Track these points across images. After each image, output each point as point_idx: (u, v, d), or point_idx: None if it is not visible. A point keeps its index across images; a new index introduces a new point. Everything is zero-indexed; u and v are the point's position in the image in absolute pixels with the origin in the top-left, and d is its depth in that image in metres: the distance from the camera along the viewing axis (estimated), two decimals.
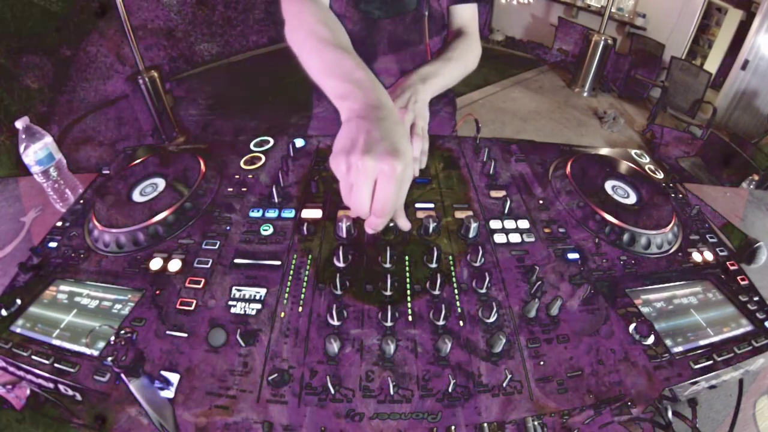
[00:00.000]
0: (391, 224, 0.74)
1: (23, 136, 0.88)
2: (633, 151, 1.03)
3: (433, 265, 0.70)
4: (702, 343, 0.64)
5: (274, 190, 0.80)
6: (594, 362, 0.61)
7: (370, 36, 1.02)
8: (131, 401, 0.53)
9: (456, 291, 0.67)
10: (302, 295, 0.66)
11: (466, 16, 1.04)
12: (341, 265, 0.70)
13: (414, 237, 0.75)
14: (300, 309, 0.64)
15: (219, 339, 0.60)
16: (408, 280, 0.68)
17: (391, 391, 0.55)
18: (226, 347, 0.60)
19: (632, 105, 5.02)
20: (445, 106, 1.26)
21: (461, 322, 0.63)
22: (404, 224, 0.65)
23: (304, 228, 0.74)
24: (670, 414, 0.56)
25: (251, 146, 0.97)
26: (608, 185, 0.86)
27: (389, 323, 0.62)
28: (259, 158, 0.92)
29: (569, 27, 5.70)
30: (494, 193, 0.85)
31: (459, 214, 0.79)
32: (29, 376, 0.60)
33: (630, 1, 5.21)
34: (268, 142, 0.98)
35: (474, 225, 0.73)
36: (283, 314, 0.64)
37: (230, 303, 0.65)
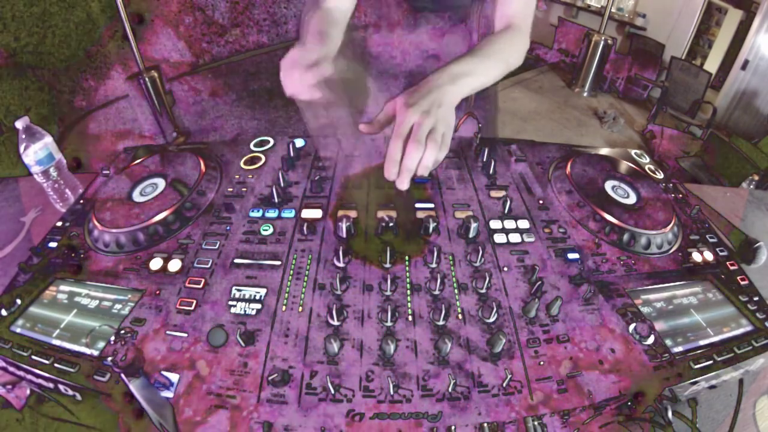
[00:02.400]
0: (391, 224, 0.75)
1: (23, 136, 0.88)
2: (633, 151, 1.03)
3: (433, 265, 0.70)
4: (702, 343, 0.64)
5: (274, 190, 0.80)
6: (594, 362, 0.61)
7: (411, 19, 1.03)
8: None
9: (456, 291, 0.67)
10: (302, 295, 0.66)
11: (513, 6, 0.94)
12: (341, 265, 0.70)
13: (414, 237, 0.75)
14: (300, 309, 0.64)
15: (219, 339, 0.60)
16: (408, 280, 0.68)
17: (391, 391, 0.55)
18: (226, 347, 0.60)
19: (632, 105, 5.02)
20: (486, 103, 1.23)
21: (461, 322, 0.63)
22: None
23: (304, 228, 0.75)
24: (670, 414, 0.56)
25: (251, 146, 0.97)
26: (608, 185, 0.86)
27: (389, 323, 0.62)
28: (259, 158, 0.92)
29: (569, 27, 5.69)
30: (494, 193, 0.85)
31: (459, 214, 0.79)
32: (29, 376, 0.60)
33: (630, 1, 5.21)
34: (268, 142, 0.98)
35: (474, 225, 0.73)
36: (283, 314, 0.64)
37: (230, 303, 0.65)
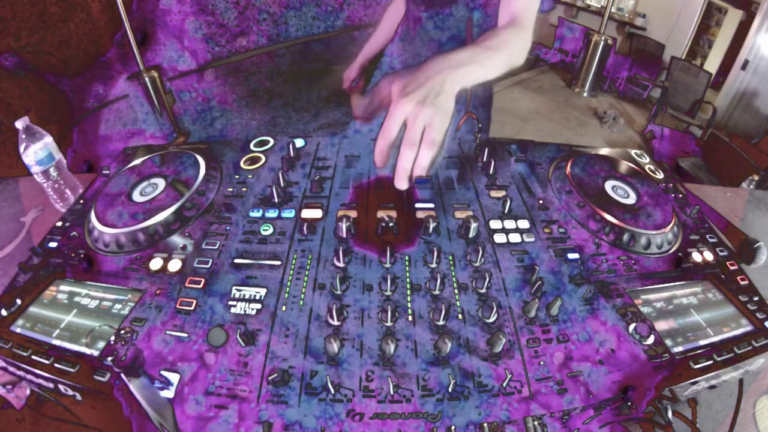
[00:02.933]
0: (391, 224, 0.75)
1: (23, 136, 0.88)
2: (633, 151, 1.03)
3: (433, 265, 0.70)
4: (702, 343, 0.64)
5: (274, 190, 0.80)
6: (594, 362, 0.61)
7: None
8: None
9: (456, 291, 0.67)
10: (302, 295, 0.66)
11: (516, 4, 0.91)
12: (341, 265, 0.70)
13: (414, 237, 0.75)
14: (300, 309, 0.64)
15: (219, 339, 0.60)
16: (408, 280, 0.68)
17: (391, 391, 0.55)
18: (226, 347, 0.60)
19: (632, 105, 5.01)
20: (482, 105, 1.24)
21: (461, 322, 0.63)
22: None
23: (304, 228, 0.75)
24: (670, 414, 0.56)
25: (251, 146, 0.97)
26: (608, 185, 0.86)
27: (389, 323, 0.62)
28: (259, 158, 0.92)
29: (569, 27, 5.69)
30: (494, 193, 0.85)
31: (459, 214, 0.79)
32: (29, 376, 0.60)
33: (630, 1, 5.21)
34: (268, 142, 0.98)
35: (474, 225, 0.73)
36: (283, 314, 0.64)
37: (230, 303, 0.65)
